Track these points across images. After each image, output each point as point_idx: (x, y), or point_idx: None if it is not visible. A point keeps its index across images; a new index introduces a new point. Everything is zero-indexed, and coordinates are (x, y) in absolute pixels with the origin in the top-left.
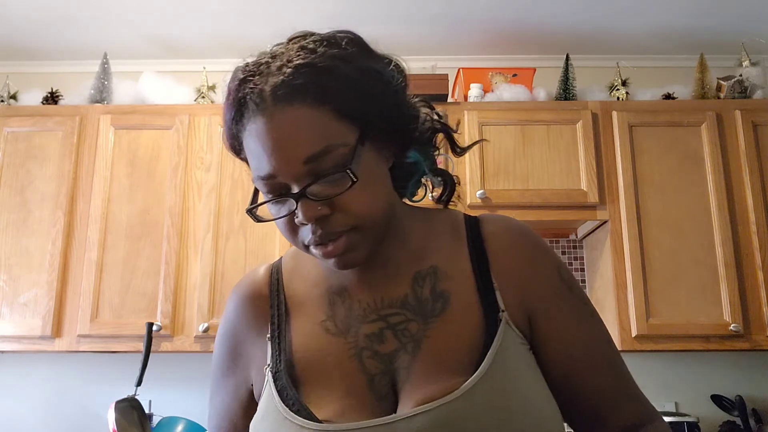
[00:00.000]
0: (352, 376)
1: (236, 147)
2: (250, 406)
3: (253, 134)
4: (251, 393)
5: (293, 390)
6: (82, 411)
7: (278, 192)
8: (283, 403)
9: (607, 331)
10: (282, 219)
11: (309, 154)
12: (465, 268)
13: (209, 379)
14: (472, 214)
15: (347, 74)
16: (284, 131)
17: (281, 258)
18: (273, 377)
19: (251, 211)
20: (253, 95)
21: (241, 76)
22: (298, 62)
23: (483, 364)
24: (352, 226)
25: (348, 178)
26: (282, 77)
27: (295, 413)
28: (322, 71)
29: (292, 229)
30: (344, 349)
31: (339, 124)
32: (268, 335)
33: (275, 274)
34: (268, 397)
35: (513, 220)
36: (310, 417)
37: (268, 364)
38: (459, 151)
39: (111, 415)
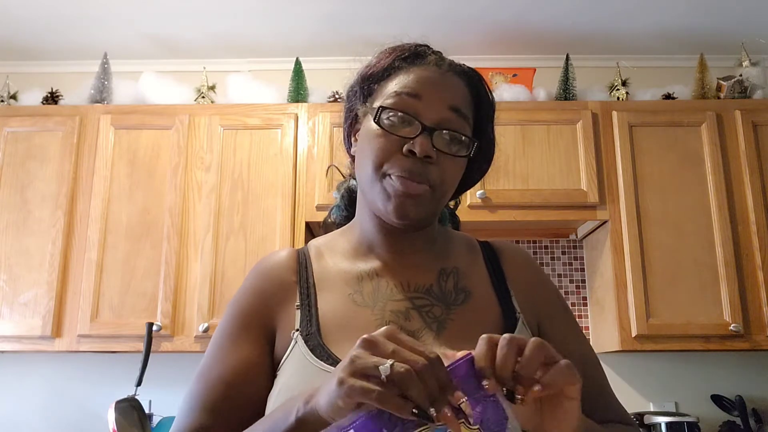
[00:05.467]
0: None
1: (380, 74)
2: (269, 364)
3: (421, 71)
4: (272, 353)
5: (326, 348)
6: (82, 411)
7: (409, 113)
8: (318, 359)
9: (593, 350)
10: (394, 136)
11: (456, 104)
12: (483, 275)
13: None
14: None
15: (486, 93)
16: (448, 84)
17: (305, 246)
18: (304, 339)
19: (383, 111)
20: (434, 55)
21: (417, 42)
22: (467, 66)
23: None
24: (434, 185)
25: (466, 149)
26: (458, 62)
27: (331, 365)
28: (481, 81)
29: (393, 150)
30: (370, 319)
31: (471, 115)
32: (297, 303)
33: (302, 254)
34: (299, 357)
35: (519, 246)
36: None
37: (297, 329)
38: None
39: (111, 415)
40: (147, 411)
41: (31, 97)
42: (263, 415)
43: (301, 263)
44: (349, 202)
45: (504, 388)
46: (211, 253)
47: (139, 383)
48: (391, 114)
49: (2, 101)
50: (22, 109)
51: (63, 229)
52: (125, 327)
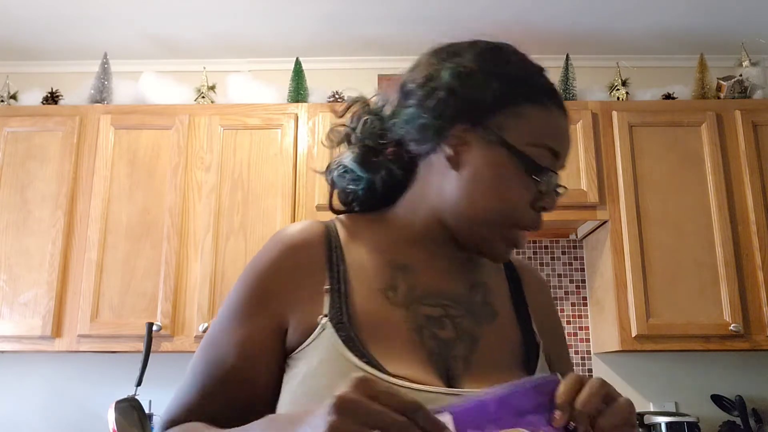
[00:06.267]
0: (413, 347)
1: (518, 96)
2: (278, 346)
3: (559, 121)
4: (283, 335)
5: (361, 344)
6: (82, 411)
7: (556, 174)
8: (352, 353)
9: None
10: (532, 190)
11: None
12: (506, 294)
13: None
14: None
15: None
16: (569, 139)
17: (331, 221)
18: (335, 327)
19: (540, 171)
20: (559, 98)
21: (540, 66)
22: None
23: (537, 371)
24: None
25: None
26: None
27: (366, 364)
28: None
29: (526, 201)
30: (405, 320)
31: None
32: (327, 286)
33: (331, 233)
34: (328, 346)
35: (534, 267)
36: (382, 371)
37: (326, 314)
38: None
39: (111, 415)
40: (147, 411)
41: (31, 97)
42: (258, 395)
43: (332, 243)
44: (388, 185)
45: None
46: (211, 253)
47: (139, 383)
48: (543, 174)
49: (2, 101)
50: (22, 109)
51: (63, 229)
52: (125, 327)
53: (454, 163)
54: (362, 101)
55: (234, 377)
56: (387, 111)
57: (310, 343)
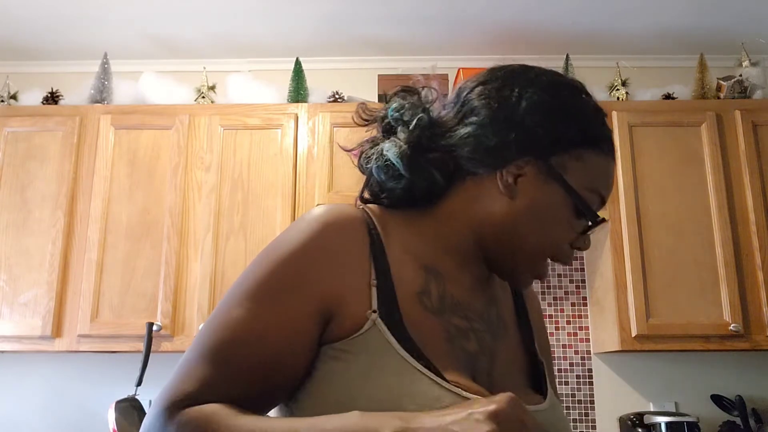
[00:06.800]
0: (447, 355)
1: (586, 140)
2: (316, 330)
3: (609, 168)
4: (322, 321)
5: (417, 345)
6: (82, 411)
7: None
8: (408, 354)
9: None
10: (577, 230)
11: None
12: (511, 309)
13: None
14: None
15: None
16: None
17: (362, 209)
18: (387, 325)
19: (593, 217)
20: (614, 147)
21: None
22: None
23: (549, 392)
24: None
25: None
26: None
27: (423, 366)
28: None
29: (566, 240)
30: (438, 329)
31: None
32: (374, 279)
33: (370, 224)
34: (382, 343)
35: None
36: (440, 376)
37: (374, 310)
38: None
39: (111, 415)
40: (147, 411)
41: (31, 97)
42: (288, 379)
43: (371, 232)
44: (427, 190)
45: None
46: (211, 253)
47: (139, 383)
48: (595, 220)
49: (2, 101)
50: (22, 109)
51: (63, 229)
52: (125, 327)
53: (510, 190)
54: (417, 93)
55: (261, 361)
56: (437, 114)
57: (357, 337)
